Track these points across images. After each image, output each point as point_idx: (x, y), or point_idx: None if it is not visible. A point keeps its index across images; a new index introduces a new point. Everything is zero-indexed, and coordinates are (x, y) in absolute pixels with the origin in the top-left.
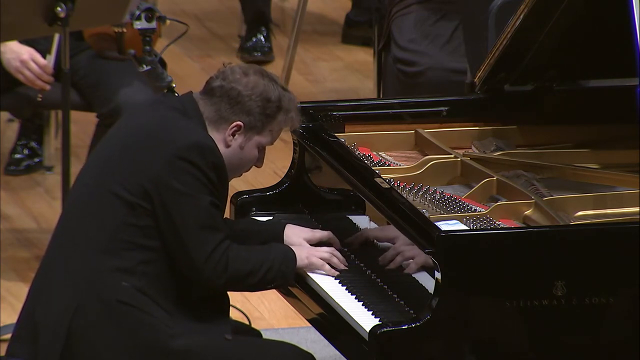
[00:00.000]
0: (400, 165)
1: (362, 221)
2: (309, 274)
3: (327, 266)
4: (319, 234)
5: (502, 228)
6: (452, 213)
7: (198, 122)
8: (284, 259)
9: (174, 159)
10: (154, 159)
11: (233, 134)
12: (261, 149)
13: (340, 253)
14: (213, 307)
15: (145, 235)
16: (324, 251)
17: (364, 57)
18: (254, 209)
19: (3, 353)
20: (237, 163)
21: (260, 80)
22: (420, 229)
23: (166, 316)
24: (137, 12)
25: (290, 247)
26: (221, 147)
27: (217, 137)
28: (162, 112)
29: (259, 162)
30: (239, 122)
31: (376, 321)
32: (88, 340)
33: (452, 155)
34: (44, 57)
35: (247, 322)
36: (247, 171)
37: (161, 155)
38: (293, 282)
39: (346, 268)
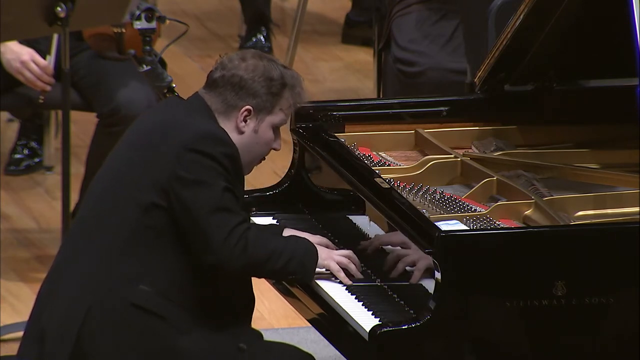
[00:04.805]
0: (400, 165)
1: (362, 221)
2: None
3: (342, 273)
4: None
5: (502, 228)
6: (452, 213)
7: (207, 116)
8: (306, 251)
9: (183, 152)
10: (164, 156)
11: (244, 120)
12: (276, 130)
13: None
14: (236, 311)
15: (164, 237)
16: (344, 255)
17: (364, 57)
18: (254, 209)
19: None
20: (254, 148)
21: (259, 62)
22: (420, 229)
23: (183, 317)
24: (137, 12)
25: (313, 244)
26: (235, 135)
27: (230, 126)
28: (171, 110)
29: (275, 143)
30: (248, 107)
31: (376, 321)
32: (98, 344)
33: (452, 155)
34: (44, 57)
35: None
36: (266, 155)
37: (171, 150)
38: (312, 278)
39: (361, 277)
